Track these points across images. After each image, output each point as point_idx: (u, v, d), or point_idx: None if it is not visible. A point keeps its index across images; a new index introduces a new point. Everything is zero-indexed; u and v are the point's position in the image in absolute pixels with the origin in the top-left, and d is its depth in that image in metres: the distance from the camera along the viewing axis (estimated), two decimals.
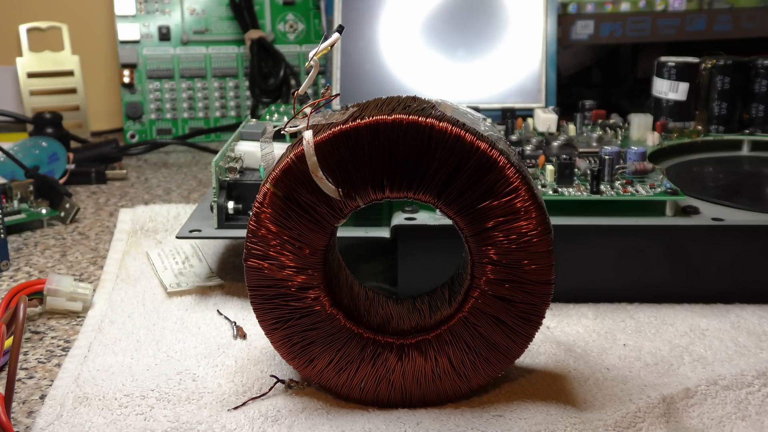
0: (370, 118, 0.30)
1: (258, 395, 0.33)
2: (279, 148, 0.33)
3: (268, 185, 0.30)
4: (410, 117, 0.30)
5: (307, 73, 0.33)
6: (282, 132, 0.32)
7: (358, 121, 0.30)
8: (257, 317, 0.32)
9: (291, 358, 0.32)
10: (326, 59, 0.74)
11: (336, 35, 0.32)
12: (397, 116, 0.30)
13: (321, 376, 0.32)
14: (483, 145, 0.30)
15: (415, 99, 0.32)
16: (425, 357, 0.32)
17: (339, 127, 0.30)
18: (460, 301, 0.32)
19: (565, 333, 0.39)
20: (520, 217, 0.31)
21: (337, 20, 0.71)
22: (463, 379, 0.32)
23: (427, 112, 0.30)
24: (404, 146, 0.30)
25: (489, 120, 0.31)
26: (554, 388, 0.34)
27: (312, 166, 0.30)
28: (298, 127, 0.31)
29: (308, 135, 0.30)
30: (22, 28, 0.81)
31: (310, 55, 0.32)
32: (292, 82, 0.79)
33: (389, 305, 0.34)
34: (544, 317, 0.32)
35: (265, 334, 0.32)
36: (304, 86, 0.32)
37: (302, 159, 0.30)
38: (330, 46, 0.32)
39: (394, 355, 0.32)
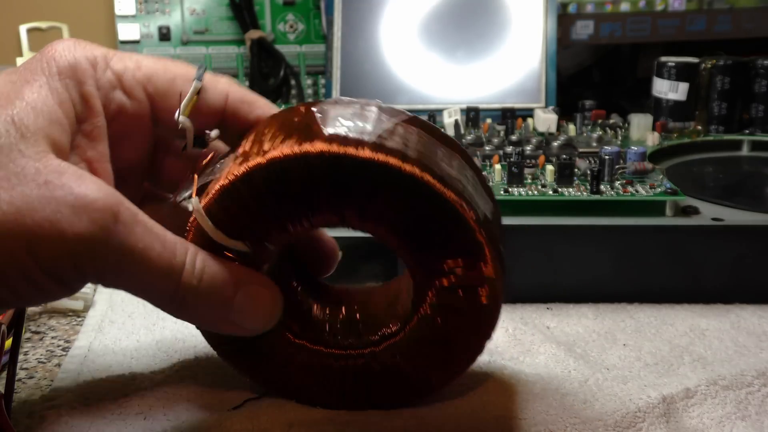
0: (246, 166, 0.27)
1: (255, 396, 0.33)
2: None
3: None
4: (284, 152, 0.27)
5: (184, 136, 0.31)
6: (174, 204, 0.30)
7: (234, 174, 0.28)
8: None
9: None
10: (326, 59, 0.74)
11: (196, 83, 0.31)
12: (271, 156, 0.27)
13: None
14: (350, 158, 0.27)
15: (295, 111, 0.30)
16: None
17: (219, 184, 0.28)
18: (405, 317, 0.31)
19: (565, 333, 0.39)
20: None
21: (338, 20, 0.71)
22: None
23: (303, 132, 0.28)
24: (286, 184, 0.27)
25: (389, 118, 0.29)
26: (554, 388, 0.34)
27: (210, 231, 0.28)
28: (189, 195, 0.29)
29: (195, 202, 0.28)
30: (22, 28, 0.81)
31: (177, 116, 0.31)
32: (292, 82, 0.79)
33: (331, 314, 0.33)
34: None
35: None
36: (189, 146, 0.31)
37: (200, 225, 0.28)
38: (193, 96, 0.31)
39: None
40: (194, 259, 0.28)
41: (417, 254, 0.29)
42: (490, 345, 0.37)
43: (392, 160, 0.27)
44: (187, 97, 0.31)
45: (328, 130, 0.27)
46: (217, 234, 0.28)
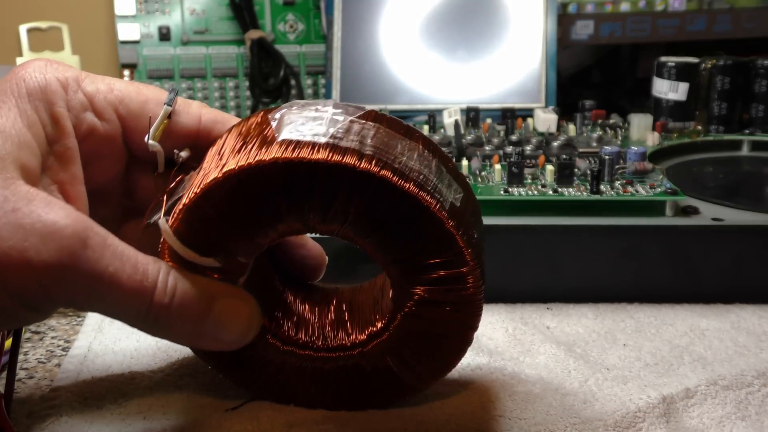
0: (204, 182, 0.27)
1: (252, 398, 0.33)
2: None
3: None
4: (239, 164, 0.27)
5: (159, 159, 0.31)
6: (143, 227, 0.30)
7: (195, 192, 0.27)
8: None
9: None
10: (326, 59, 0.74)
11: (166, 107, 0.31)
12: (227, 170, 0.27)
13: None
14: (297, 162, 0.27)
15: (252, 120, 0.29)
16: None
17: (182, 203, 0.28)
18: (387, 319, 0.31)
19: (565, 333, 0.39)
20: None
21: (338, 20, 0.71)
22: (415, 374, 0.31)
23: (258, 141, 0.27)
24: (244, 196, 0.27)
25: (344, 116, 0.28)
26: (554, 388, 0.34)
27: (180, 251, 0.28)
28: (158, 216, 0.29)
29: (162, 224, 0.28)
30: (22, 28, 0.81)
31: (147, 139, 0.31)
32: (292, 82, 0.79)
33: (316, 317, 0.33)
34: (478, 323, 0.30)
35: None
36: (160, 167, 0.31)
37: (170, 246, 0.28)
38: (164, 120, 0.31)
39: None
40: (166, 278, 0.28)
41: (387, 253, 0.29)
42: (490, 345, 0.37)
43: (347, 160, 0.26)
44: (157, 121, 0.31)
45: (282, 136, 0.27)
46: (187, 252, 0.28)
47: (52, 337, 0.39)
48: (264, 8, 0.81)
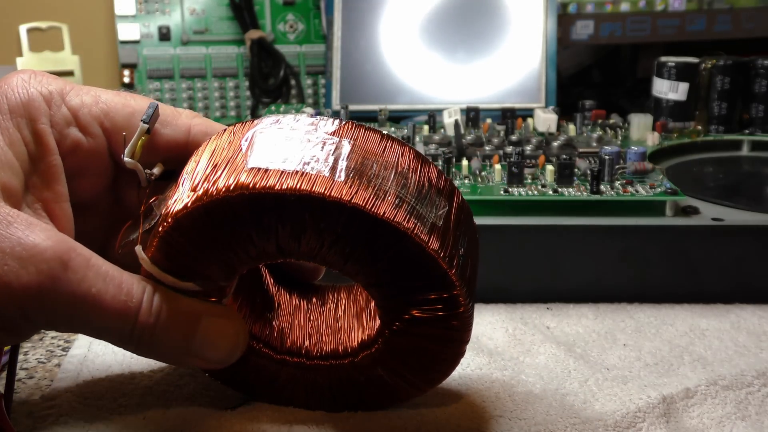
0: (174, 212, 0.27)
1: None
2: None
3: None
4: (208, 192, 0.26)
5: (140, 175, 0.31)
6: (117, 250, 0.30)
7: (166, 222, 0.27)
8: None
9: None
10: (326, 59, 0.74)
11: (142, 125, 0.30)
12: (195, 198, 0.26)
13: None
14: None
15: (224, 139, 0.28)
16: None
17: (155, 233, 0.27)
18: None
19: (565, 333, 0.39)
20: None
21: (338, 20, 0.71)
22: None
23: (228, 166, 0.27)
24: (214, 226, 0.27)
25: (317, 135, 0.27)
26: (554, 388, 0.34)
27: (160, 277, 0.28)
28: (133, 239, 0.29)
29: (139, 252, 0.28)
30: (22, 28, 0.81)
31: (123, 156, 0.30)
32: (292, 82, 0.79)
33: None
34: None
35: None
36: (142, 183, 0.31)
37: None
38: (141, 137, 0.30)
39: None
40: (151, 298, 0.27)
41: (369, 278, 0.28)
42: (490, 345, 0.37)
43: (317, 188, 0.25)
44: (133, 139, 0.30)
45: (250, 164, 0.26)
46: (166, 278, 0.28)
47: (52, 337, 0.39)
48: (264, 8, 0.81)
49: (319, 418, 0.31)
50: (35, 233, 0.26)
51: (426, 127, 0.58)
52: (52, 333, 0.40)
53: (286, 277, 0.35)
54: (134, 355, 0.36)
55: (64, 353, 0.38)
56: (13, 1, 0.83)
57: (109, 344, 0.38)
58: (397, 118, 0.67)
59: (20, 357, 0.37)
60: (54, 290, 0.25)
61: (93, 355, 0.37)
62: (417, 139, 0.54)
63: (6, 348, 0.33)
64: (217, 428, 0.30)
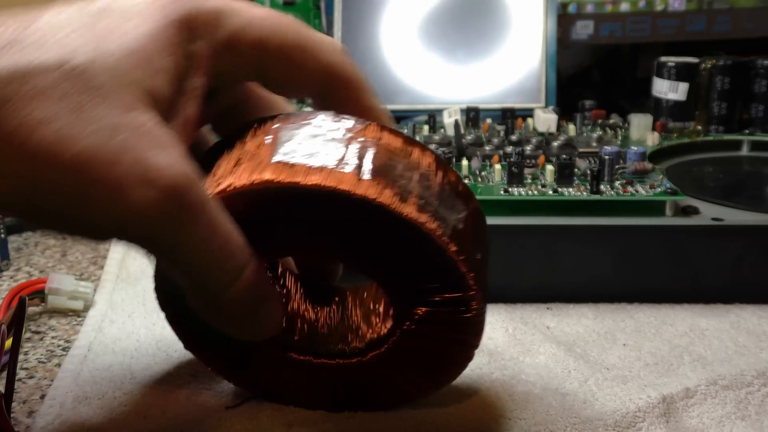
0: None
1: (255, 396, 0.33)
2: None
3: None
4: (235, 185, 0.26)
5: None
6: None
7: None
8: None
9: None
10: None
11: None
12: (218, 192, 0.26)
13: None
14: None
15: (248, 132, 0.28)
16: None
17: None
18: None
19: (565, 333, 0.39)
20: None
21: (338, 20, 0.71)
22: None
23: (252, 160, 0.26)
24: (237, 221, 0.26)
25: (342, 133, 0.27)
26: (554, 388, 0.34)
27: None
28: None
29: None
30: None
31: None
32: None
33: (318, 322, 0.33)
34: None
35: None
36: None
37: None
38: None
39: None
40: (248, 267, 0.26)
41: (387, 276, 0.28)
42: (490, 345, 0.37)
43: (343, 186, 0.25)
44: None
45: (275, 158, 0.26)
46: None
47: (52, 337, 0.39)
48: None
49: (319, 418, 0.31)
50: (162, 155, 0.24)
51: (426, 127, 0.58)
52: (52, 333, 0.40)
53: (297, 275, 0.35)
54: (134, 355, 0.37)
55: (64, 353, 0.38)
56: (13, 1, 0.83)
57: (109, 344, 0.38)
58: (397, 118, 0.67)
59: (20, 357, 0.37)
60: (162, 221, 0.24)
61: (93, 355, 0.37)
62: (417, 139, 0.54)
63: (6, 348, 0.33)
64: (216, 428, 0.30)
